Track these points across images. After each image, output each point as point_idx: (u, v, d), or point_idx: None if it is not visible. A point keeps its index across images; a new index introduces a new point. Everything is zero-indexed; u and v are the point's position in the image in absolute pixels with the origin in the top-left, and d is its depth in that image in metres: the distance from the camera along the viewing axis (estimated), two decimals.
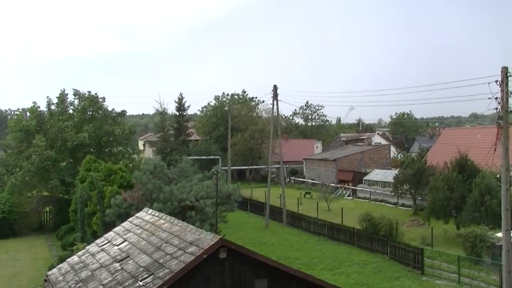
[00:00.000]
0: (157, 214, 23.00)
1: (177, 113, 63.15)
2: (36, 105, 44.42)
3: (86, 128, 42.31)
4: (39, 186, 43.51)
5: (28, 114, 44.31)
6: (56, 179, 42.02)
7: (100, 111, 45.36)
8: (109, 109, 46.60)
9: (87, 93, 45.47)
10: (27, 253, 35.04)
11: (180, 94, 62.41)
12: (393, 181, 49.32)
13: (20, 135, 42.56)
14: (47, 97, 44.60)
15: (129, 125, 48.62)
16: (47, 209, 43.87)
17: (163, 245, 18.44)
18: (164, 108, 55.79)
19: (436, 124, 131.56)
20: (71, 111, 45.28)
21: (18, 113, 45.17)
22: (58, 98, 44.66)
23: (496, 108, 20.25)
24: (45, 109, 44.50)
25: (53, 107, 44.84)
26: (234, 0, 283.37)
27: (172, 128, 61.83)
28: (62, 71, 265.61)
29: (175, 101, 62.60)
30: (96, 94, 45.74)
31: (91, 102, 44.79)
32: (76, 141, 41.05)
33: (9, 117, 46.64)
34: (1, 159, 56.30)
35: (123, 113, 47.68)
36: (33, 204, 41.96)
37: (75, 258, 22.81)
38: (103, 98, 46.00)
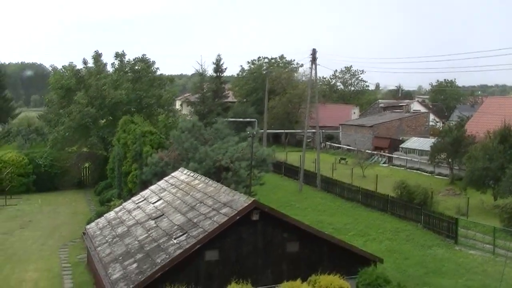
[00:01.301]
0: (192, 174, 23.37)
1: (215, 75, 63.17)
2: (73, 64, 45.13)
3: (125, 86, 42.82)
4: (79, 142, 44.54)
5: (67, 72, 44.99)
6: (96, 136, 42.91)
7: (149, 74, 45.81)
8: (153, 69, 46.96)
9: (138, 57, 45.91)
10: (67, 207, 36.22)
11: (218, 55, 62.51)
12: (430, 149, 48.55)
13: (61, 92, 43.37)
14: (83, 58, 45.25)
15: (173, 89, 49.02)
16: (86, 165, 45.01)
17: (197, 205, 18.80)
18: (204, 69, 55.97)
19: (479, 92, 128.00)
20: (110, 71, 45.83)
21: (60, 70, 45.74)
22: (93, 58, 45.21)
23: None
24: (83, 68, 45.13)
25: (90, 65, 45.42)
26: None
27: (210, 89, 61.95)
28: (98, 31, 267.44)
29: (213, 63, 62.64)
30: (150, 59, 46.13)
31: (144, 65, 45.30)
32: (115, 99, 41.63)
33: (51, 73, 47.12)
34: (44, 115, 57.75)
35: (171, 78, 47.97)
36: (73, 160, 43.04)
37: (112, 214, 23.54)
38: (153, 62, 46.32)
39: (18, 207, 36.03)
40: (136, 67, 45.48)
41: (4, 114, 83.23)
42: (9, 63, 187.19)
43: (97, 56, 45.23)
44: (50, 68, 50.23)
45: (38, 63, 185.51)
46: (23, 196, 39.28)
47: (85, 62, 45.03)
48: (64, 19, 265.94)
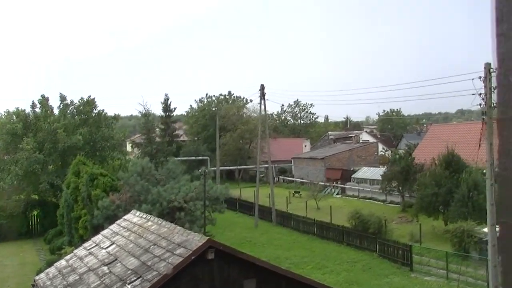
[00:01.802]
0: (145, 216, 22.91)
1: (163, 114, 63.02)
2: (20, 109, 44.15)
3: (80, 131, 42.13)
4: (27, 189, 43.16)
5: (14, 117, 43.91)
6: (46, 183, 41.73)
7: (94, 114, 45.28)
8: (99, 111, 46.52)
9: (78, 99, 45.53)
10: (15, 258, 34.74)
11: (166, 95, 62.41)
12: (381, 178, 49.53)
13: (6, 138, 42.18)
14: (32, 101, 44.35)
15: (123, 129, 48.68)
16: (35, 212, 43.52)
17: (151, 247, 18.38)
18: (148, 110, 55.67)
19: (424, 120, 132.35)
20: (56, 114, 45.06)
21: (4, 114, 44.68)
22: (40, 102, 44.37)
23: (480, 104, 20.42)
24: (30, 112, 44.17)
25: (37, 109, 44.52)
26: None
27: (159, 129, 61.59)
28: (46, 72, 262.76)
29: (161, 102, 62.52)
30: (92, 98, 45.66)
31: (87, 105, 44.77)
32: (69, 143, 40.82)
33: None
34: None
35: (116, 117, 47.65)
36: (20, 208, 41.59)
37: (62, 262, 22.67)
38: (94, 100, 45.87)
39: None
40: (81, 108, 44.92)
41: None
42: None
43: (44, 100, 44.40)
44: None
45: None
46: None
47: (33, 106, 44.12)
48: (6, 60, 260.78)
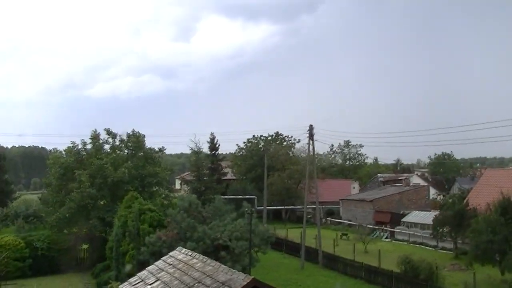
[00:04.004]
0: (190, 253, 22.87)
1: (210, 153, 63.82)
2: (74, 144, 45.52)
3: (125, 165, 42.95)
4: (79, 224, 43.96)
5: (64, 152, 45.36)
6: (96, 218, 42.39)
7: (141, 150, 46.22)
8: (148, 147, 47.48)
9: (123, 133, 46.66)
10: None
11: (212, 134, 63.33)
12: (432, 223, 47.96)
13: (60, 171, 43.45)
14: (82, 140, 45.68)
15: (168, 163, 49.26)
16: (85, 246, 44.24)
17: (196, 284, 18.24)
18: (199, 148, 56.51)
19: (478, 164, 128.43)
20: (107, 149, 46.23)
21: (61, 152, 46.32)
22: (91, 138, 45.67)
23: None
24: (81, 148, 45.52)
25: (88, 146, 45.83)
26: (267, 43, 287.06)
27: (206, 167, 62.21)
28: (101, 111, 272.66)
29: (207, 142, 63.44)
30: (141, 133, 46.81)
31: (136, 140, 45.72)
32: (116, 178, 41.62)
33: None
34: (43, 197, 57.42)
35: (161, 150, 48.49)
36: (71, 241, 42.40)
37: None
38: (143, 136, 46.96)
39: None
40: (129, 144, 45.91)
41: (4, 197, 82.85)
42: (11, 147, 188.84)
43: (95, 136, 45.74)
44: (50, 151, 50.79)
45: (40, 146, 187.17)
46: (18, 282, 38.25)
47: (84, 144, 45.47)
48: (55, 98, 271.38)
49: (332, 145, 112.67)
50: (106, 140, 46.41)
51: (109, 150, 45.91)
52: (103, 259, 39.18)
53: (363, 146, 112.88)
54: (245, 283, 15.88)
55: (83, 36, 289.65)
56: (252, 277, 16.67)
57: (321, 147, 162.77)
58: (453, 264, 41.36)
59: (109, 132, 46.24)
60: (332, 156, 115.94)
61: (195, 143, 51.29)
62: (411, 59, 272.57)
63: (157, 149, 48.14)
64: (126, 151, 46.14)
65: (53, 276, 40.44)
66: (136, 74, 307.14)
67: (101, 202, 44.04)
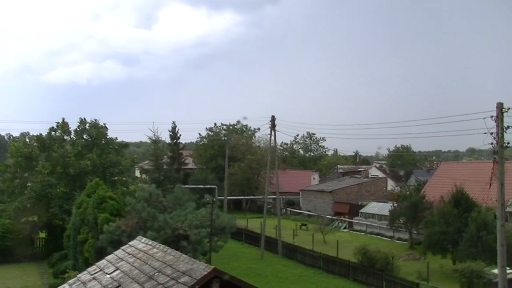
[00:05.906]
0: (150, 242, 22.76)
1: (171, 142, 63.36)
2: (38, 134, 44.71)
3: (89, 156, 42.29)
4: (39, 212, 43.07)
5: (27, 139, 44.38)
6: (57, 207, 41.61)
7: (103, 140, 45.61)
8: (110, 137, 46.86)
9: (93, 121, 45.94)
10: (18, 281, 34.53)
11: (173, 122, 62.61)
12: (389, 214, 49.11)
13: (20, 161, 42.48)
14: (52, 126, 44.75)
15: (133, 156, 49.00)
16: (42, 235, 43.39)
17: (156, 274, 18.20)
18: (158, 137, 55.89)
19: (434, 158, 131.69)
20: (73, 138, 45.43)
21: (17, 138, 45.19)
22: (59, 127, 44.75)
23: (492, 143, 20.34)
24: (46, 135, 44.60)
25: (54, 133, 44.94)
26: (231, 33, 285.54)
27: (167, 156, 61.67)
28: (58, 96, 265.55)
29: (168, 130, 62.91)
30: (103, 124, 46.20)
31: (97, 130, 45.04)
32: (78, 169, 41.02)
33: (8, 142, 46.63)
34: None
35: (126, 145, 48.21)
36: (27, 230, 41.49)
37: (65, 287, 22.52)
38: (105, 127, 46.29)
39: None
40: (91, 133, 45.23)
41: None
42: None
43: (63, 125, 44.90)
44: (6, 137, 49.47)
45: None
46: None
47: (53, 130, 44.53)
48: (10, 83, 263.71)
49: (297, 135, 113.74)
50: (75, 130, 45.75)
51: (75, 139, 45.11)
52: (61, 249, 38.54)
53: (325, 139, 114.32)
54: (206, 272, 15.96)
55: (39, 18, 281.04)
56: (213, 266, 16.77)
57: (282, 138, 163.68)
58: (408, 254, 42.50)
59: (82, 121, 45.51)
60: (294, 147, 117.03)
61: (153, 132, 50.73)
62: (379, 51, 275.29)
63: (120, 142, 47.83)
64: (86, 138, 45.37)
65: (7, 265, 39.54)
66: (97, 60, 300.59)
67: (60, 190, 43.19)
